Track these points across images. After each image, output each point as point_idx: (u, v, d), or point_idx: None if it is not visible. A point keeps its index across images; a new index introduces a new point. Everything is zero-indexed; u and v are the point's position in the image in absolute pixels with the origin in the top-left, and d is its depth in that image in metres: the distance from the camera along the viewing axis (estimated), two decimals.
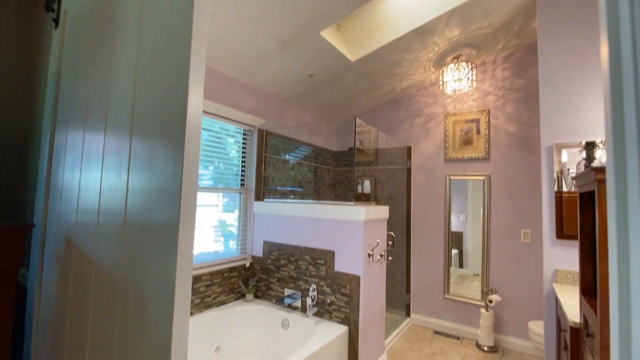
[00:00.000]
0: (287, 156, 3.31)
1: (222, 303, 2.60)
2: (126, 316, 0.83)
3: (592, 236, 1.28)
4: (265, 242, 2.80)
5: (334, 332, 2.17)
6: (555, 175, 2.17)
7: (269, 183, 3.05)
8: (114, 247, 0.91)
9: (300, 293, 2.54)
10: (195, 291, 2.38)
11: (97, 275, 0.96)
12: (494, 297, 2.95)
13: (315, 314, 2.45)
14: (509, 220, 3.07)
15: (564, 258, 2.06)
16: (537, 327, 2.46)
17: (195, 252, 2.44)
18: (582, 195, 1.32)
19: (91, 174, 1.04)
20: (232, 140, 2.81)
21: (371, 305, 2.36)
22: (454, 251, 3.41)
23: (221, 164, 2.70)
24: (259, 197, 2.94)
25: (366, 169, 3.98)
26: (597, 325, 0.99)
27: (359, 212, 2.26)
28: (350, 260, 2.29)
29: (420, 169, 3.59)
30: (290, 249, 2.62)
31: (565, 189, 2.12)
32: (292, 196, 3.30)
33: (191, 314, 2.36)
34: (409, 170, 3.66)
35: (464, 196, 3.36)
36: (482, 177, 3.22)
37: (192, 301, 2.36)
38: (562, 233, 2.07)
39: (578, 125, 2.12)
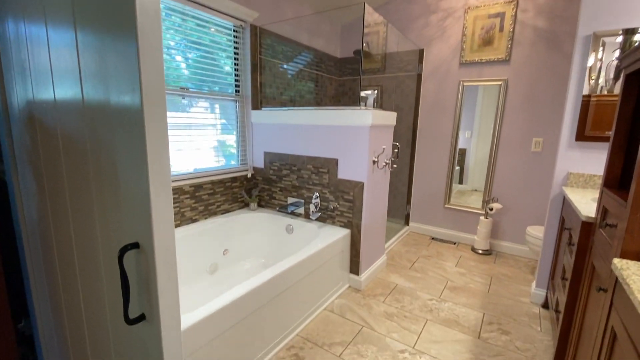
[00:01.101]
0: (285, 61, 2.98)
1: (226, 211, 2.64)
2: (100, 180, 0.77)
3: (630, 125, 1.14)
4: (266, 153, 2.70)
5: (337, 234, 2.22)
6: (587, 72, 1.93)
7: (266, 91, 2.81)
8: (77, 123, 0.79)
9: (303, 201, 2.55)
10: (198, 199, 2.38)
11: (65, 147, 0.86)
12: (495, 205, 2.99)
13: (318, 219, 2.49)
14: (520, 129, 2.91)
15: (580, 161, 1.97)
16: (535, 231, 2.53)
17: (195, 166, 2.37)
18: (628, 77, 1.14)
19: (42, 55, 0.86)
20: (221, 38, 2.47)
21: (373, 211, 2.37)
22: (456, 168, 3.34)
23: (209, 67, 2.42)
24: (256, 105, 2.74)
25: (372, 78, 3.65)
26: (623, 212, 0.92)
27: (365, 116, 2.09)
28: (354, 168, 2.22)
29: (432, 74, 3.28)
30: (292, 158, 2.54)
31: (598, 88, 1.90)
32: (291, 106, 3.08)
33: (196, 220, 2.40)
34: (419, 77, 3.35)
35: (472, 109, 3.13)
36: (499, 82, 2.94)
37: (196, 208, 2.38)
38: (582, 135, 1.93)
39: (626, 8, 1.79)
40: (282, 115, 2.51)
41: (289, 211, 2.58)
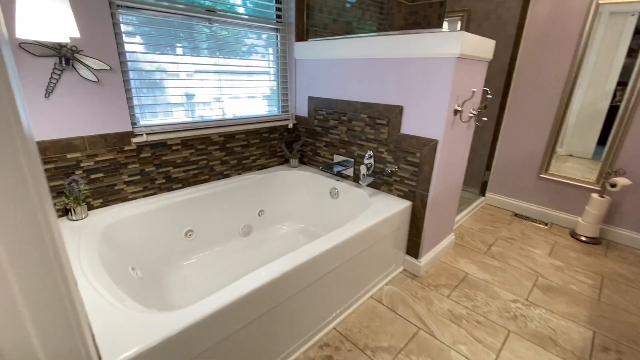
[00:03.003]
0: None
1: (263, 167, 2.27)
2: None
3: None
4: (310, 99, 2.19)
5: (394, 206, 1.71)
6: None
7: (314, 17, 2.20)
8: None
9: (352, 161, 2.04)
10: (229, 151, 2.02)
11: None
12: (620, 181, 2.15)
13: (370, 185, 1.99)
14: None
15: None
16: None
17: (226, 112, 1.97)
18: None
19: None
20: None
21: (446, 179, 1.78)
22: None
23: None
24: (301, 36, 2.17)
25: (457, 0, 2.75)
26: None
27: (451, 42, 1.42)
28: (425, 119, 1.61)
29: None
30: (342, 105, 1.99)
31: None
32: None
33: (228, 175, 2.07)
34: None
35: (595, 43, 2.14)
36: None
37: (227, 162, 2.03)
38: None
39: None
40: (334, 46, 1.93)
41: (335, 171, 2.11)
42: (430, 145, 1.62)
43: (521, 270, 1.95)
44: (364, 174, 1.92)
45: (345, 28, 2.41)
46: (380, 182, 1.92)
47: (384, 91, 1.75)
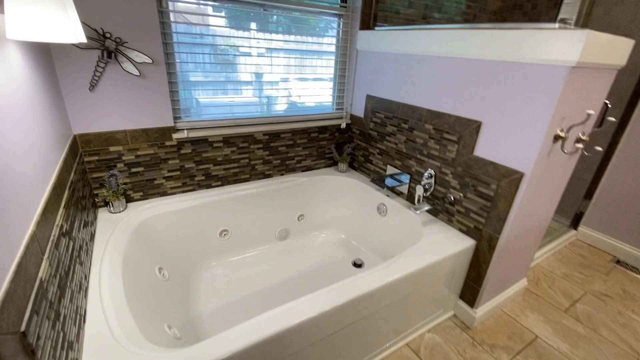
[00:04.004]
0: None
1: (308, 168, 2.09)
2: None
3: None
4: (369, 97, 1.91)
5: (452, 243, 1.40)
6: None
7: (385, 0, 1.86)
8: None
9: (409, 176, 1.74)
10: (274, 150, 1.88)
11: None
12: None
13: (427, 211, 1.68)
14: None
15: None
16: None
17: (271, 108, 1.81)
18: None
19: None
20: None
21: (527, 221, 1.39)
22: None
23: None
24: (367, 24, 1.86)
25: None
26: None
27: (565, 44, 1.02)
28: (510, 143, 1.24)
29: None
30: (404, 110, 1.68)
31: None
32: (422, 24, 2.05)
33: (270, 175, 1.95)
34: None
35: None
36: None
37: (269, 162, 1.90)
38: None
39: None
40: (403, 38, 1.60)
41: (386, 185, 1.84)
42: (511, 178, 1.25)
43: (615, 347, 1.49)
44: (419, 196, 1.62)
45: (421, 14, 2.02)
46: (440, 208, 1.59)
47: (460, 100, 1.39)
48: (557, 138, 1.18)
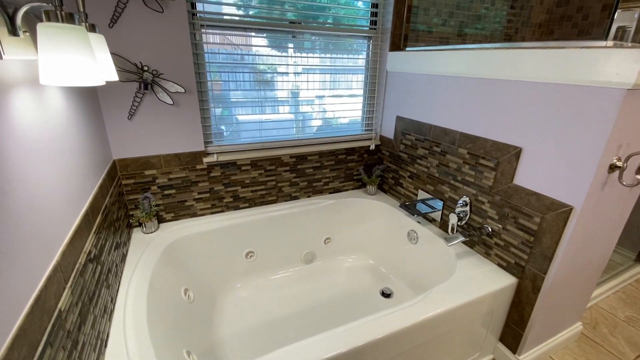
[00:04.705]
0: None
1: (335, 190, 2.05)
2: None
3: None
4: (399, 119, 1.84)
5: (489, 281, 1.27)
6: None
7: (417, 21, 1.82)
8: None
9: (442, 202, 1.63)
10: (300, 173, 1.88)
11: None
12: None
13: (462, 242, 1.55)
14: None
15: None
16: None
17: (299, 130, 1.81)
18: None
19: None
20: None
21: (580, 258, 1.22)
22: None
23: None
24: (397, 44, 1.83)
25: None
26: None
27: (619, 63, 0.90)
28: (557, 172, 1.10)
29: None
30: (436, 132, 1.59)
31: None
32: (457, 44, 1.96)
33: (296, 197, 1.94)
34: None
35: None
36: None
37: (296, 184, 1.90)
38: None
39: None
40: (436, 58, 1.53)
41: (418, 211, 1.73)
42: (558, 212, 1.11)
43: None
44: (453, 225, 1.50)
45: (456, 31, 1.94)
46: (476, 239, 1.46)
47: (497, 124, 1.28)
48: (613, 168, 1.03)
